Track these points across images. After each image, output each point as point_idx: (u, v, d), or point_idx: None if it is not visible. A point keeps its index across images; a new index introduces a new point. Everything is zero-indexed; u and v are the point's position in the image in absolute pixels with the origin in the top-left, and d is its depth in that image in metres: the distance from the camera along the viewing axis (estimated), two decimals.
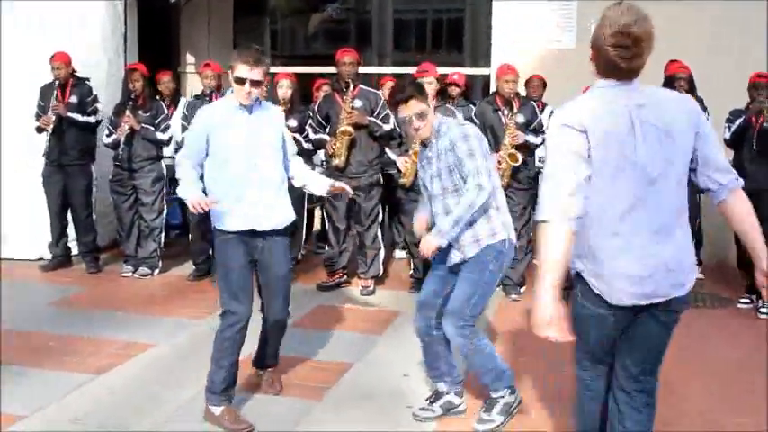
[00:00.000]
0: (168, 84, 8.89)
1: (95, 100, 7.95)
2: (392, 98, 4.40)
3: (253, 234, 4.42)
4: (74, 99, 7.82)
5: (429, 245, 4.30)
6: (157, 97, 8.29)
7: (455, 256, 4.35)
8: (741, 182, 3.12)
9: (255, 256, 4.48)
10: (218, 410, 4.39)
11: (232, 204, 4.36)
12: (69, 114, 7.70)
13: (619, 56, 2.91)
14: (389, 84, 8.30)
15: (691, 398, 4.80)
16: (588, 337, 3.22)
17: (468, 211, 4.17)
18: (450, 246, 4.34)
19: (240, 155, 4.35)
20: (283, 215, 4.53)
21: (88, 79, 8.07)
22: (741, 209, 3.13)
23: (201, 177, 4.49)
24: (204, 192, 4.39)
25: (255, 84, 4.28)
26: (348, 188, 4.85)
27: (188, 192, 4.34)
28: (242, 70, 4.25)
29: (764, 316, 6.72)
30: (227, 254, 4.42)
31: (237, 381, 4.59)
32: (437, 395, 4.64)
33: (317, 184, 4.82)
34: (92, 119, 7.85)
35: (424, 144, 4.43)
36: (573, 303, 3.17)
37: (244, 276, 4.44)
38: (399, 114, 4.33)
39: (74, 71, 7.92)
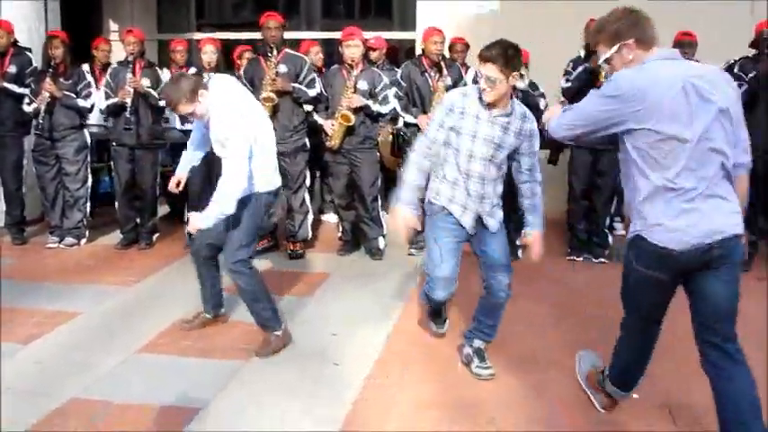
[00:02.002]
0: (106, 51, 8.77)
1: (35, 71, 7.76)
2: (481, 51, 4.26)
3: None
4: (12, 69, 7.65)
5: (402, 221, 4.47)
6: (85, 64, 8.18)
7: (491, 224, 4.49)
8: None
9: None
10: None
11: None
12: (5, 85, 7.55)
13: None
14: (315, 49, 8.32)
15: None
16: (642, 303, 3.63)
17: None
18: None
19: None
20: None
21: (29, 49, 7.90)
22: (743, 191, 3.50)
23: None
24: None
25: None
26: None
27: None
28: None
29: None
30: None
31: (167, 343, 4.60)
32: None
33: None
34: (28, 90, 7.65)
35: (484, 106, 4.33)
36: (627, 270, 3.55)
37: None
38: (479, 67, 4.28)
39: (15, 41, 7.76)
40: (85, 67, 8.18)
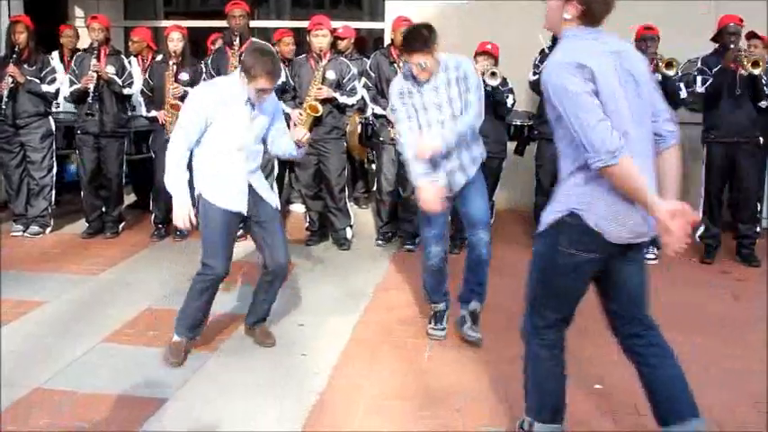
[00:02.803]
0: (72, 37, 8.69)
1: None
2: (402, 44, 4.82)
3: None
4: None
5: (429, 145, 4.60)
6: (55, 52, 8.09)
7: (460, 179, 4.84)
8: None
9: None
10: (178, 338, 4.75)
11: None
12: None
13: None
14: (288, 39, 8.26)
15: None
16: (564, 289, 3.28)
17: (467, 128, 4.70)
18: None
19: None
20: None
21: None
22: (675, 163, 3.27)
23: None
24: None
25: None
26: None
27: (178, 200, 4.46)
28: (263, 83, 4.35)
29: (651, 261, 6.89)
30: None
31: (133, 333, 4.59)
32: (440, 314, 5.15)
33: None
34: None
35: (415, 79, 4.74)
36: (550, 254, 3.23)
37: None
38: (413, 60, 4.63)
39: None
40: (55, 54, 8.12)
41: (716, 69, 6.84)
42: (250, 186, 4.61)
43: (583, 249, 3.16)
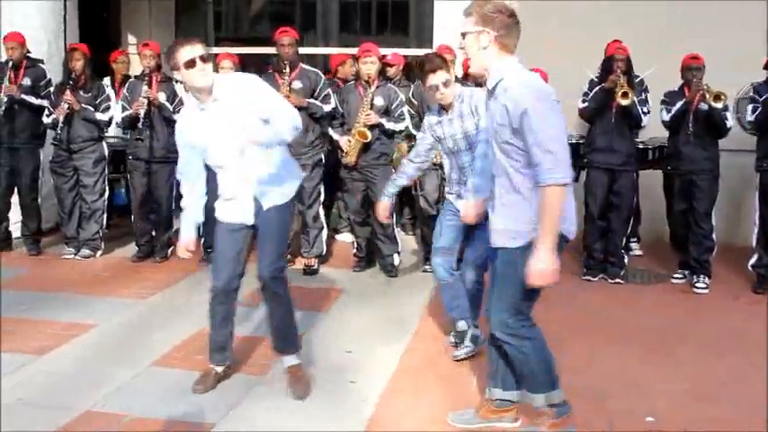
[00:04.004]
0: (125, 63, 8.84)
1: (49, 83, 7.84)
2: (421, 68, 5.05)
3: None
4: (27, 81, 7.72)
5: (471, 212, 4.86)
6: (107, 78, 8.24)
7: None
8: None
9: None
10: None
11: None
12: (23, 96, 7.61)
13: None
14: (350, 61, 8.28)
15: (622, 364, 4.94)
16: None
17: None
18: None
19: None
20: None
21: (42, 61, 7.97)
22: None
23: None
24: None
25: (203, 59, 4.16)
26: None
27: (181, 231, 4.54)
28: (182, 54, 4.12)
29: (702, 291, 6.92)
30: None
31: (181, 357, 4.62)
32: (460, 334, 5.23)
33: None
34: (45, 101, 7.70)
35: (440, 109, 5.12)
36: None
37: None
38: (428, 82, 4.96)
39: (28, 52, 7.82)
40: (107, 80, 8.26)
41: (765, 97, 6.75)
42: (256, 198, 4.41)
43: (557, 254, 3.52)
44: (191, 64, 4.11)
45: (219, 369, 4.70)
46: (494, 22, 3.53)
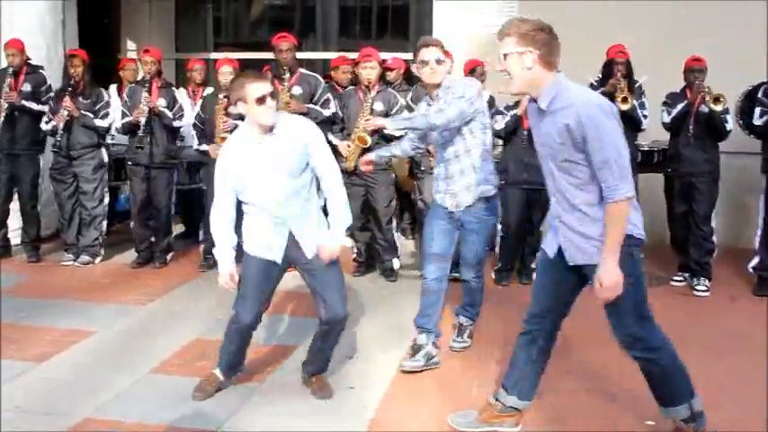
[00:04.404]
0: (134, 71, 8.84)
1: (49, 89, 7.83)
2: (416, 48, 4.96)
3: None
4: (27, 87, 7.71)
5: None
6: (113, 85, 8.26)
7: (450, 201, 5.05)
8: None
9: None
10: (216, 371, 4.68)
11: None
12: (23, 102, 7.61)
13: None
14: (344, 67, 8.26)
15: (624, 368, 4.92)
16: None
17: (428, 122, 4.85)
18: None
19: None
20: None
21: (42, 67, 7.96)
22: None
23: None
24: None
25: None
26: None
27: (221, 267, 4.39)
28: (257, 89, 4.12)
29: (702, 294, 6.91)
30: None
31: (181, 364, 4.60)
32: (417, 348, 5.09)
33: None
34: (45, 108, 7.69)
35: (428, 102, 5.05)
36: (629, 266, 3.53)
37: None
38: (420, 57, 4.87)
39: (28, 59, 7.82)
40: (113, 87, 8.26)
41: None
42: (291, 234, 4.35)
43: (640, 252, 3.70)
44: (261, 101, 4.12)
45: (222, 379, 4.68)
46: (535, 41, 3.49)
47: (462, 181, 4.97)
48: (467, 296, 5.42)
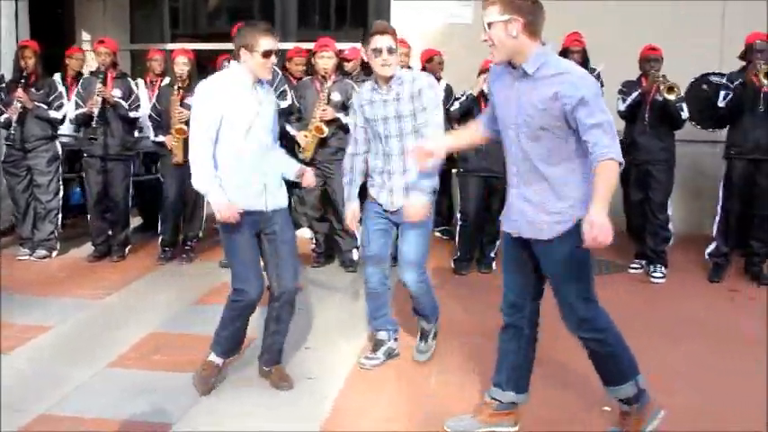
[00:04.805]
0: (80, 60, 8.73)
1: (1, 80, 7.70)
2: (369, 34, 4.57)
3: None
4: None
5: (419, 207, 4.55)
6: (57, 74, 8.14)
7: (398, 200, 4.70)
8: None
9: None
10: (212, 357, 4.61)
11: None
12: None
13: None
14: (297, 59, 8.21)
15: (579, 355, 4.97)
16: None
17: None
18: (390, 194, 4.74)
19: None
20: None
21: None
22: None
23: None
24: None
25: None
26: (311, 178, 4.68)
27: (214, 197, 4.27)
28: (267, 42, 4.23)
29: (658, 281, 7.00)
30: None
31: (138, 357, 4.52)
32: (378, 343, 5.04)
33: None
34: None
35: (375, 88, 4.70)
36: (577, 250, 3.53)
37: None
38: (372, 45, 4.51)
39: None
40: (57, 76, 8.13)
41: (735, 84, 6.84)
42: (266, 187, 4.38)
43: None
44: (268, 55, 4.26)
45: (222, 364, 4.66)
46: (521, 8, 3.45)
47: (402, 180, 4.67)
48: (416, 305, 5.01)
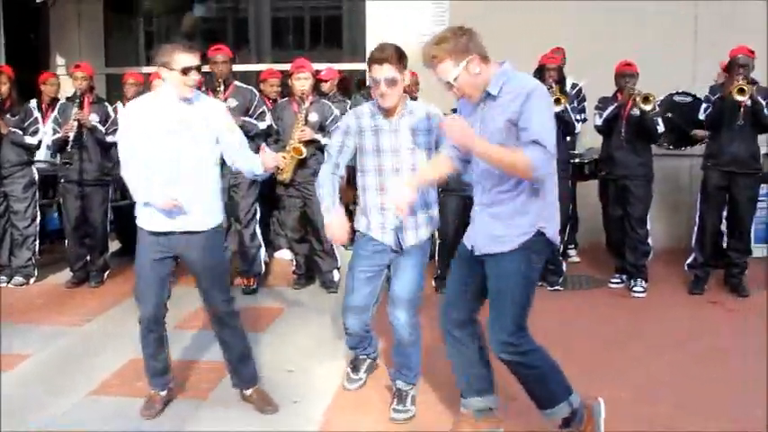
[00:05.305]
0: (55, 86, 8.66)
1: None
2: (369, 59, 4.19)
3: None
4: None
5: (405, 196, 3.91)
6: (33, 100, 8.08)
7: (410, 238, 4.35)
8: None
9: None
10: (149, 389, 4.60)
11: None
12: None
13: None
14: (272, 80, 8.21)
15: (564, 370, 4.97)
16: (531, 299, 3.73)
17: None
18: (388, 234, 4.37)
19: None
20: None
21: None
22: None
23: None
24: None
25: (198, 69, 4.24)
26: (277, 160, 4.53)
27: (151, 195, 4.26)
28: (186, 59, 4.15)
29: (639, 295, 7.03)
30: None
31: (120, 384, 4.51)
32: (357, 363, 4.97)
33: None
34: None
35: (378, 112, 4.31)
36: (529, 268, 3.63)
37: None
38: (371, 74, 4.18)
39: None
40: (33, 102, 8.08)
41: (714, 98, 6.91)
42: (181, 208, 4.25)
43: (544, 260, 3.74)
44: (186, 72, 4.16)
45: (163, 393, 4.61)
46: (467, 46, 3.50)
47: (397, 218, 4.28)
48: (399, 354, 4.54)
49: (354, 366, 5.00)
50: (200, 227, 4.33)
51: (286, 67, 7.63)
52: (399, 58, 4.12)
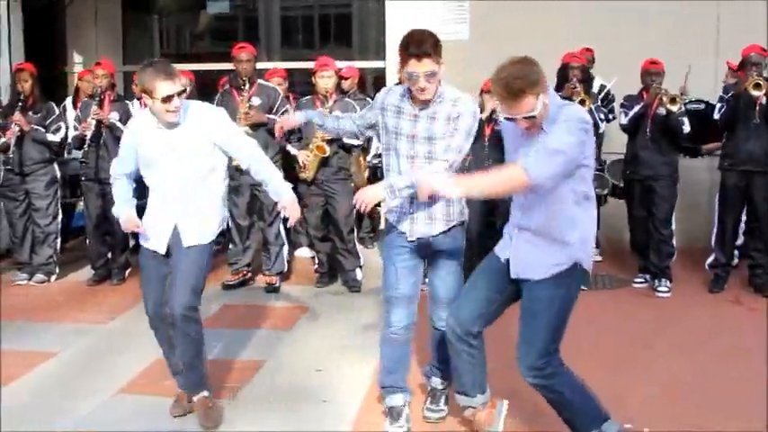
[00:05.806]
0: (92, 82, 8.65)
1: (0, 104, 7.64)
2: (405, 50, 3.90)
3: None
4: None
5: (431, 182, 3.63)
6: (68, 98, 8.08)
7: (426, 229, 4.10)
8: None
9: None
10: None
11: None
12: None
13: None
14: (277, 79, 8.17)
15: (593, 370, 4.93)
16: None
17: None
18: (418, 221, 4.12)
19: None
20: None
21: None
22: None
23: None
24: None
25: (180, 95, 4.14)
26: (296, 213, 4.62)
27: (120, 211, 4.50)
28: (165, 87, 4.05)
29: (664, 295, 6.98)
30: None
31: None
32: (395, 412, 4.31)
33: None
34: None
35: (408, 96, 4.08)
36: (567, 293, 3.63)
37: None
38: (408, 68, 3.89)
39: None
40: (69, 99, 8.07)
41: (728, 96, 6.85)
42: (176, 228, 4.30)
43: (580, 287, 3.71)
44: (167, 100, 4.07)
45: (190, 393, 4.53)
46: (543, 79, 3.44)
47: (427, 208, 4.10)
48: (438, 350, 4.33)
49: (393, 415, 4.33)
50: (189, 243, 4.32)
51: (293, 65, 7.59)
52: (436, 48, 3.90)
